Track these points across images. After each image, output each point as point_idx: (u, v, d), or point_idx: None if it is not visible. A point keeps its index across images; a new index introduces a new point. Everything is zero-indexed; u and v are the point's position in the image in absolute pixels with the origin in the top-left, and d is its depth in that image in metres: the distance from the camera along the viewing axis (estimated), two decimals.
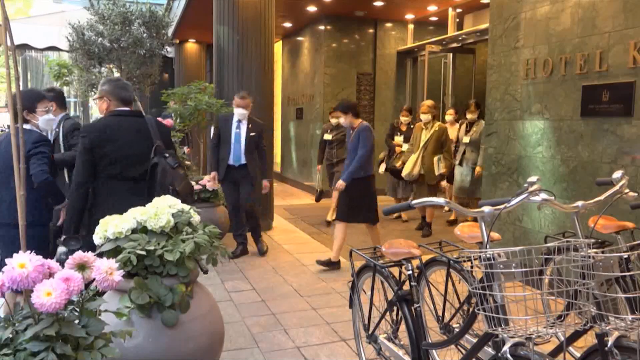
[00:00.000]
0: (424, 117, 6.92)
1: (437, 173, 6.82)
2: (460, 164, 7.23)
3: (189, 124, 7.01)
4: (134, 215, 2.50)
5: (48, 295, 1.56)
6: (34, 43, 12.36)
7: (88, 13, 7.54)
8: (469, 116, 7.15)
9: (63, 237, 2.84)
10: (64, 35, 7.62)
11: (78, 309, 1.75)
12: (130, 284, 2.33)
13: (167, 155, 3.07)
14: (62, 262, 2.31)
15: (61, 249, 2.76)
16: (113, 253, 2.36)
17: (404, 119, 7.78)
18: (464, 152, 7.22)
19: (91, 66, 7.43)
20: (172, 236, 2.49)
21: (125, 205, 2.66)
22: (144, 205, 2.67)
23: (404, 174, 7.02)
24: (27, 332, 1.60)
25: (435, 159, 6.83)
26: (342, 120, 5.54)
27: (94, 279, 1.79)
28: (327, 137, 7.66)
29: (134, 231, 2.47)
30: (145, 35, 7.35)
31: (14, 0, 38.72)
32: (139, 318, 2.34)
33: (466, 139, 7.16)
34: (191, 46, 14.65)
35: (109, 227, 2.43)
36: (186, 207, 2.69)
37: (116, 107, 3.20)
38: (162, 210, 2.51)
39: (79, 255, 1.79)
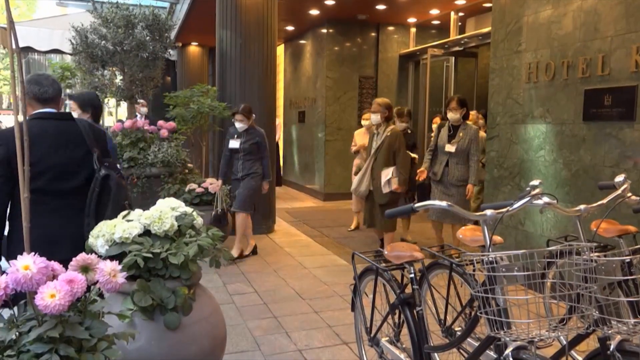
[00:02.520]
0: (374, 118, 5.71)
1: (385, 191, 5.53)
2: (441, 180, 5.72)
3: (191, 127, 7.03)
4: (139, 219, 2.51)
5: (52, 297, 1.57)
6: (37, 46, 12.36)
7: (91, 16, 7.57)
8: (450, 115, 5.68)
9: None
10: (67, 39, 7.64)
11: (81, 311, 1.75)
12: (133, 287, 2.34)
13: (107, 164, 2.63)
14: None
15: None
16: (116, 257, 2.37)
17: (434, 126, 7.17)
18: (446, 164, 5.65)
19: (94, 69, 7.44)
20: (175, 239, 2.50)
21: (53, 228, 2.43)
22: (82, 226, 2.49)
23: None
24: (31, 333, 1.60)
25: (384, 173, 5.56)
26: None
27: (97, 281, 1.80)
28: (234, 144, 6.03)
29: (138, 235, 2.47)
30: (148, 38, 7.37)
31: (17, 4, 38.94)
32: (141, 320, 2.35)
33: (450, 148, 5.59)
34: (194, 49, 14.69)
35: (117, 231, 2.44)
36: (189, 210, 2.69)
37: (36, 109, 2.63)
38: (165, 214, 2.52)
39: (82, 257, 1.80)
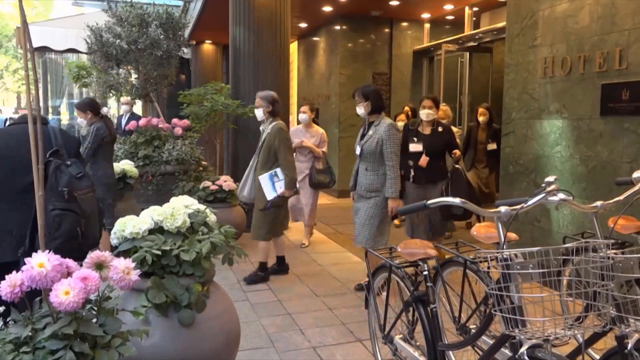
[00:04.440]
0: (257, 113, 5.06)
1: (270, 197, 4.81)
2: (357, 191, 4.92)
3: (205, 125, 7.05)
4: (151, 216, 2.52)
5: (66, 294, 1.58)
6: (54, 45, 12.52)
7: (106, 15, 7.63)
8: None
9: None
10: (82, 38, 7.71)
11: (96, 308, 1.77)
12: (147, 284, 2.35)
13: (68, 163, 2.45)
14: None
15: None
16: (129, 253, 2.39)
17: (400, 123, 6.66)
18: (356, 172, 4.54)
19: (109, 68, 7.50)
20: (188, 236, 2.51)
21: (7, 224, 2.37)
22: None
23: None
24: (46, 330, 1.62)
25: (262, 178, 4.82)
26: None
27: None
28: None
29: (150, 232, 2.49)
30: (162, 36, 7.40)
31: (34, 4, 39.38)
32: (155, 317, 2.36)
33: (357, 149, 4.52)
34: (208, 47, 14.74)
35: (127, 227, 2.46)
36: (202, 207, 2.70)
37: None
38: (178, 210, 2.53)
39: (96, 254, 1.81)
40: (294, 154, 5.71)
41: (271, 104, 4.94)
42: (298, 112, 6.68)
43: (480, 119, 6.87)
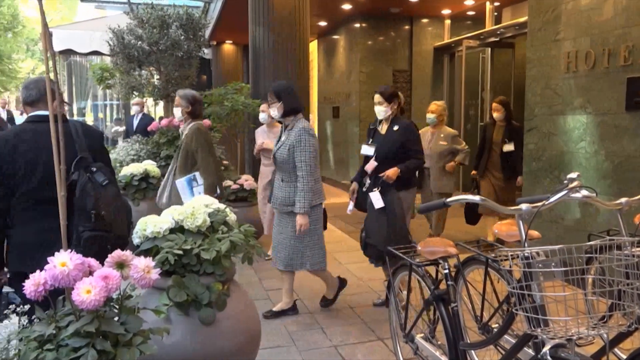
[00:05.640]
0: (176, 114, 4.66)
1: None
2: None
3: (226, 125, 7.10)
4: (172, 215, 2.55)
5: (88, 292, 1.60)
6: (78, 48, 12.73)
7: (128, 17, 7.72)
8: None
9: None
10: (105, 40, 7.82)
11: (117, 306, 1.79)
12: (168, 282, 2.38)
13: (94, 169, 2.42)
14: None
15: None
16: (151, 252, 2.41)
17: None
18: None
19: (131, 69, 7.59)
20: (208, 235, 2.53)
21: (47, 234, 2.32)
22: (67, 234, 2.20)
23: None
24: (69, 328, 1.64)
25: (179, 183, 4.36)
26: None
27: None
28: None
29: (171, 231, 2.52)
30: (182, 37, 7.46)
31: (59, 8, 40.08)
32: (177, 316, 2.38)
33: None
34: (228, 47, 14.84)
35: (148, 226, 2.49)
36: (222, 206, 2.72)
37: (29, 113, 2.59)
38: (198, 210, 2.55)
39: (117, 253, 1.83)
40: (261, 157, 5.61)
41: (191, 104, 4.51)
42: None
43: (495, 115, 5.80)
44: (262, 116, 5.69)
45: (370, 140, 4.33)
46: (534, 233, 2.45)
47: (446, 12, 9.96)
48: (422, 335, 2.83)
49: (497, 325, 2.61)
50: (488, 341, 2.37)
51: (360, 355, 3.48)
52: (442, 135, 5.98)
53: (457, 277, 2.70)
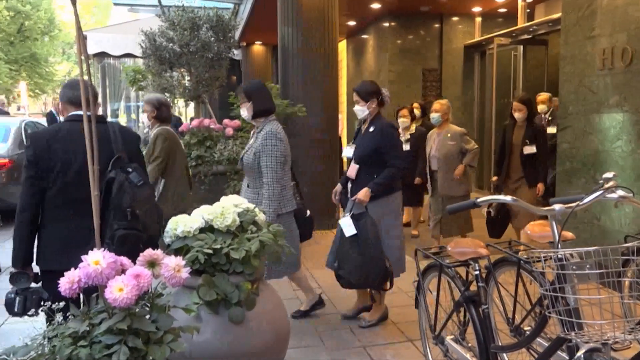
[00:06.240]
0: (143, 118, 4.71)
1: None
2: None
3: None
4: (202, 215, 2.58)
5: (120, 290, 1.64)
6: (111, 51, 13.03)
7: (159, 20, 7.86)
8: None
9: (10, 272, 2.41)
10: (137, 43, 7.97)
11: (148, 305, 1.82)
12: (198, 281, 2.40)
13: (129, 169, 2.44)
14: (10, 303, 2.23)
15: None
16: (181, 251, 2.45)
17: (402, 120, 6.48)
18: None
19: (163, 71, 7.73)
20: (237, 235, 2.55)
21: (80, 232, 2.36)
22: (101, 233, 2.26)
23: None
24: (102, 325, 1.68)
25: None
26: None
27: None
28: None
29: (201, 230, 2.55)
30: (212, 39, 7.56)
31: (93, 12, 41.01)
32: (206, 314, 2.41)
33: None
34: (257, 48, 14.94)
35: (179, 225, 2.52)
36: (251, 206, 2.73)
37: (70, 112, 2.62)
38: (228, 209, 2.57)
39: (148, 252, 1.86)
40: None
41: (156, 108, 4.42)
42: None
43: (517, 115, 5.25)
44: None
45: (353, 141, 4.07)
46: (568, 234, 2.40)
47: (477, 9, 9.83)
48: (452, 337, 2.80)
49: (529, 328, 2.56)
50: (520, 344, 2.33)
51: (389, 356, 3.46)
52: (449, 135, 5.58)
53: (488, 279, 2.66)
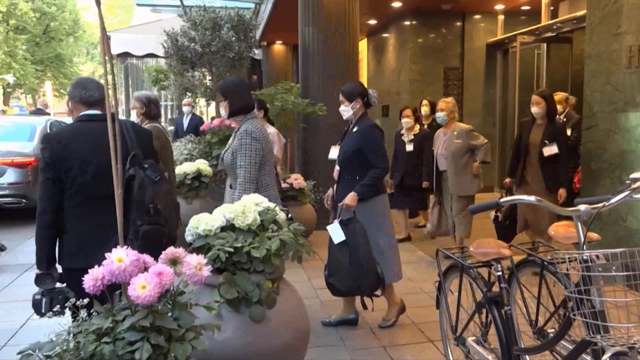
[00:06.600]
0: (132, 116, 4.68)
1: None
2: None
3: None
4: (223, 213, 2.60)
5: (143, 288, 1.65)
6: (134, 51, 13.19)
7: (181, 20, 7.93)
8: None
9: (35, 273, 2.43)
10: (160, 43, 8.06)
11: (170, 302, 1.84)
12: (219, 279, 2.42)
13: (146, 165, 2.46)
14: (37, 304, 2.26)
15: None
16: (203, 250, 2.47)
17: (406, 120, 6.46)
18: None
19: (184, 71, 7.80)
20: (258, 233, 2.56)
21: (101, 230, 2.37)
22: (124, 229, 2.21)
23: None
24: (125, 322, 1.70)
25: None
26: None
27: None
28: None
29: (222, 229, 2.56)
30: (234, 39, 7.61)
31: (117, 12, 41.58)
32: (227, 313, 2.42)
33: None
34: (278, 48, 14.98)
35: (200, 224, 2.54)
36: (272, 205, 2.74)
37: (81, 112, 2.64)
38: (249, 208, 2.59)
39: (170, 250, 1.88)
40: None
41: (145, 105, 4.41)
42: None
43: (534, 110, 4.79)
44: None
45: (339, 142, 3.99)
46: (593, 235, 2.35)
47: (499, 7, 9.71)
48: (473, 338, 2.77)
49: (553, 330, 2.52)
50: (543, 346, 2.30)
51: (409, 356, 3.44)
52: (455, 134, 5.34)
53: (510, 280, 2.63)
